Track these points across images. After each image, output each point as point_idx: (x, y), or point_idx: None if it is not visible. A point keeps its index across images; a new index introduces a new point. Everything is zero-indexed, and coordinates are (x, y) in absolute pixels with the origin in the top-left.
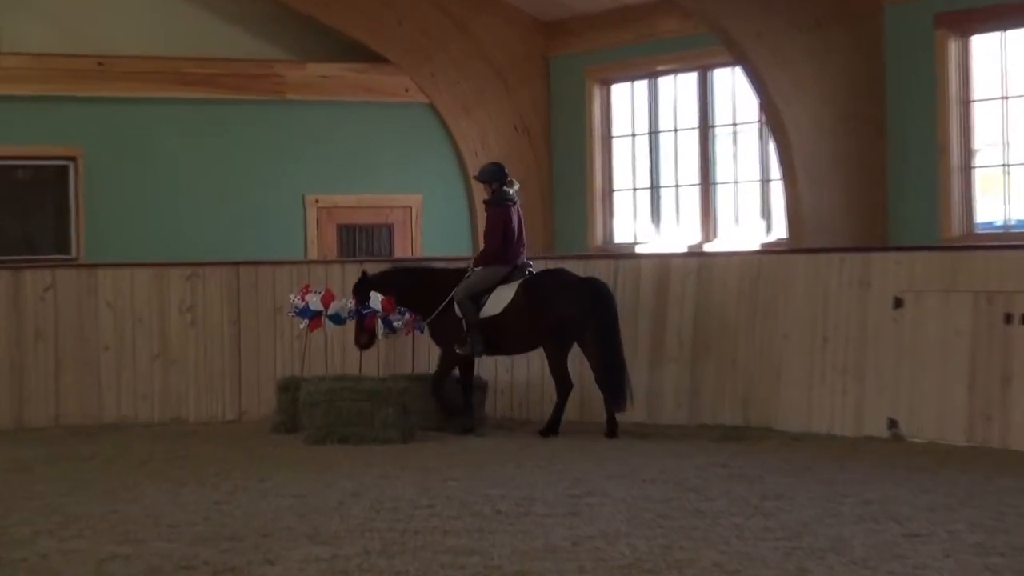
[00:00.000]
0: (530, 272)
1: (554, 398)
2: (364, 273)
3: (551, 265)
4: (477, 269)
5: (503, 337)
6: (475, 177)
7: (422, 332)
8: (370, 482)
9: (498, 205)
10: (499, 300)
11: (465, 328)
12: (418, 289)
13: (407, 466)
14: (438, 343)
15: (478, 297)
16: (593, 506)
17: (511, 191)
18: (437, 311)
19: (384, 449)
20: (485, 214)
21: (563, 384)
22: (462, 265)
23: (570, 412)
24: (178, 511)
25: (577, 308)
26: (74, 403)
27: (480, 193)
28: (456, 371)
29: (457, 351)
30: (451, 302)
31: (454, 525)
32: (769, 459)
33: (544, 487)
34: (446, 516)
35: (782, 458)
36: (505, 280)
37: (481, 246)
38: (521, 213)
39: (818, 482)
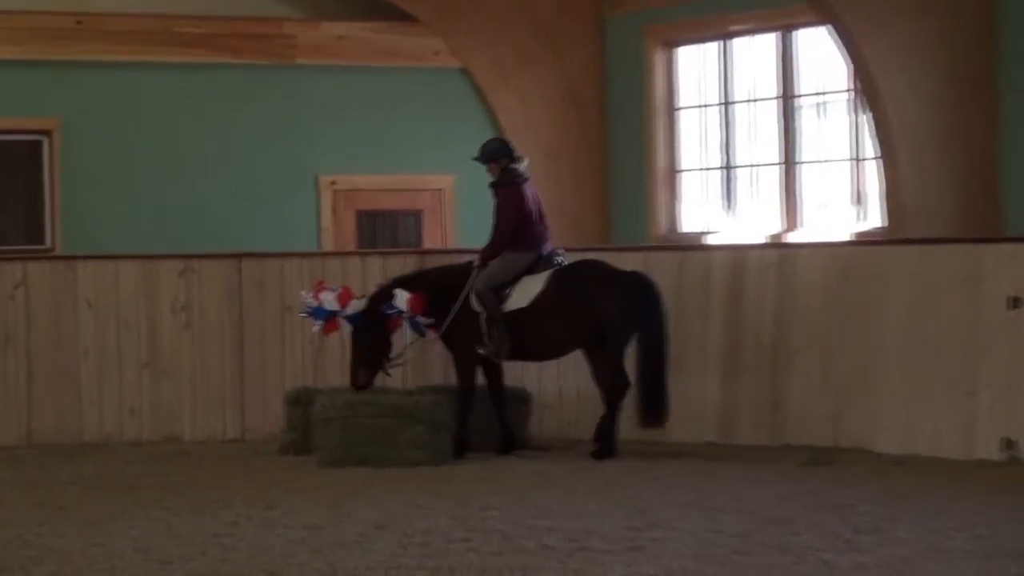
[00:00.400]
0: (560, 262)
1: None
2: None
3: (604, 258)
4: (493, 261)
5: (531, 337)
6: (475, 158)
7: None
8: (396, 511)
9: (508, 185)
10: (525, 293)
11: (485, 324)
12: (431, 294)
13: (439, 493)
14: (450, 346)
15: (500, 289)
16: (657, 540)
17: (520, 167)
18: (451, 315)
19: (411, 473)
20: (495, 199)
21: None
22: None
23: (628, 430)
24: (171, 544)
25: (619, 307)
26: (49, 418)
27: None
28: (483, 380)
29: (479, 351)
30: (467, 299)
31: (494, 563)
32: (864, 486)
33: (599, 518)
34: (485, 552)
35: (879, 485)
36: (530, 271)
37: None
38: (537, 192)
39: (921, 512)
